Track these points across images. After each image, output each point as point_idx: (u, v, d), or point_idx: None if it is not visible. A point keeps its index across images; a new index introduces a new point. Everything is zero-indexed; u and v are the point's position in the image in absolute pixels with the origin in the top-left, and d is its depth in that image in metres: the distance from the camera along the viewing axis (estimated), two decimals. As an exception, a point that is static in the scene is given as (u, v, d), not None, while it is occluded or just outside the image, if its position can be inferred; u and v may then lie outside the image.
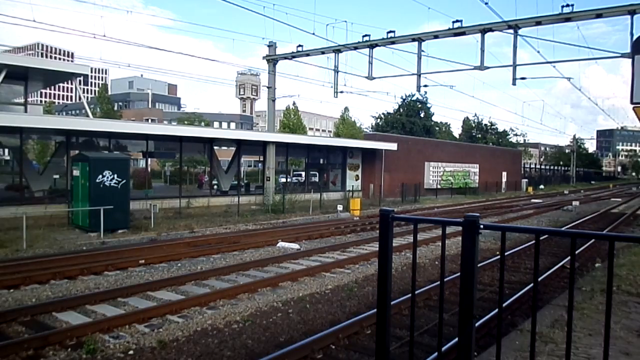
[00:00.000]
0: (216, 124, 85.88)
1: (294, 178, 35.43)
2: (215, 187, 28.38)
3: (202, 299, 8.54)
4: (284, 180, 32.46)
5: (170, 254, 12.57)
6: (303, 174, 35.61)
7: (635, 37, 7.49)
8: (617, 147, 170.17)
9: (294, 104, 74.48)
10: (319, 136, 72.79)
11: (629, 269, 9.66)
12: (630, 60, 6.02)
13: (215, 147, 28.37)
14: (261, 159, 30.09)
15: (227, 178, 28.56)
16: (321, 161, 35.47)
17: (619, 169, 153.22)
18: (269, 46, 27.79)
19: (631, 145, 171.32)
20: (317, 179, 34.99)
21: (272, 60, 27.89)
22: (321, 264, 11.88)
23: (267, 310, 8.21)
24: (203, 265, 11.74)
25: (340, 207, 23.13)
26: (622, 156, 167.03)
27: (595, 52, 29.50)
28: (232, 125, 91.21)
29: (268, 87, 28.51)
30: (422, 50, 22.35)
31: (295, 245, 14.45)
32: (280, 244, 14.58)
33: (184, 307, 8.16)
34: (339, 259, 12.63)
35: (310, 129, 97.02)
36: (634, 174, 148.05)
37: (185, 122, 55.18)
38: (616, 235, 3.11)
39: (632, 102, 5.91)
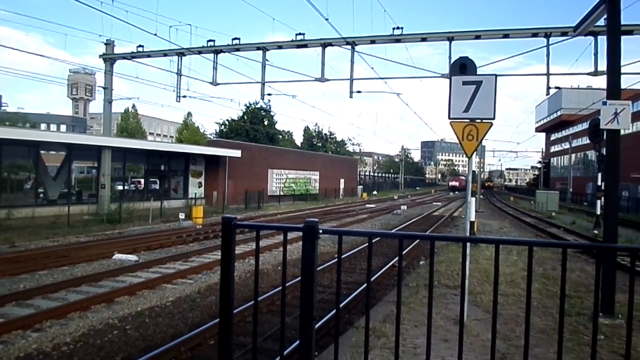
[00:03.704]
0: (43, 126, 77.81)
1: (132, 185, 33.41)
2: (41, 195, 25.51)
3: (26, 321, 7.56)
4: (121, 187, 30.47)
5: (-18, 273, 10.93)
6: (142, 181, 33.75)
7: (452, 61, 8.46)
8: (438, 157, 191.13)
9: (133, 106, 70.67)
10: (160, 141, 69.65)
11: (447, 265, 10.86)
12: (448, 81, 6.81)
13: (42, 152, 25.53)
14: (95, 165, 27.81)
15: (56, 186, 25.87)
16: (162, 168, 33.96)
17: (439, 176, 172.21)
18: (106, 44, 25.90)
19: (449, 155, 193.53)
20: (157, 187, 33.45)
21: (110, 59, 26.05)
22: (161, 275, 11.34)
23: (101, 329, 7.59)
24: (26, 283, 10.43)
25: (182, 216, 22.36)
26: (441, 165, 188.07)
27: (420, 71, 32.92)
28: (63, 127, 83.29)
29: (104, 88, 26.54)
30: (267, 59, 22.75)
31: (133, 257, 13.63)
32: (117, 256, 13.60)
33: (3, 331, 7.13)
34: (181, 269, 12.18)
35: (151, 133, 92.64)
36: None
37: (7, 123, 48.69)
38: (436, 235, 3.46)
39: (449, 117, 6.70)
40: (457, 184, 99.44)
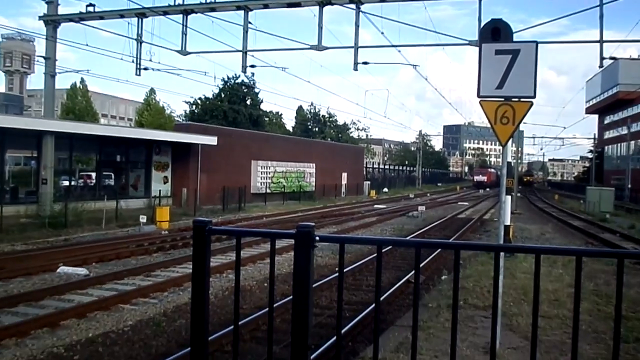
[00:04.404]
0: (-33, 106, 77.54)
1: (80, 181, 33.36)
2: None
3: (-55, 351, 7.60)
4: (67, 183, 30.41)
5: None
6: (94, 175, 33.68)
7: (483, 24, 8.41)
8: (465, 145, 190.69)
9: (82, 81, 70.25)
10: (116, 125, 69.52)
11: (475, 280, 10.87)
12: (477, 49, 6.76)
13: (-34, 139, 25.50)
14: (35, 155, 27.77)
15: (-16, 181, 25.85)
16: (118, 158, 33.94)
17: (466, 169, 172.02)
18: (48, 3, 25.76)
19: (478, 143, 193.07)
20: (112, 182, 33.39)
21: (53, 21, 25.91)
22: (118, 293, 11.40)
23: (43, 359, 7.60)
24: (-54, 303, 10.45)
25: (144, 219, 22.37)
26: (469, 155, 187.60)
27: (443, 37, 32.54)
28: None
29: (46, 58, 26.41)
30: (250, 22, 22.64)
31: (82, 270, 13.67)
32: (62, 268, 13.66)
33: None
34: (142, 285, 12.24)
35: (104, 115, 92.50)
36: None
37: None
38: (462, 243, 3.47)
39: (479, 96, 6.66)
40: (484, 178, 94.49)
